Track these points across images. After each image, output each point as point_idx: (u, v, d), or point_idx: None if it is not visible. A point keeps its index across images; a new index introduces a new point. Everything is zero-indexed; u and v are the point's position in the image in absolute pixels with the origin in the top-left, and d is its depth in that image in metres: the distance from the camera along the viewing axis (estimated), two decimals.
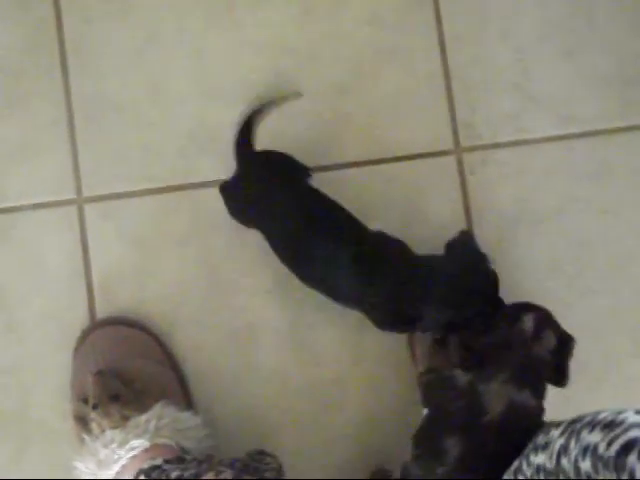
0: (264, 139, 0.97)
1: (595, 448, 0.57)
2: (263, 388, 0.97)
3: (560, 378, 0.83)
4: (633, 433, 0.54)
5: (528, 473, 0.67)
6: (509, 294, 0.96)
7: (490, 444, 0.77)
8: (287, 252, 0.89)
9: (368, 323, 0.91)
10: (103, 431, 0.85)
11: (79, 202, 0.99)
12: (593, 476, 0.57)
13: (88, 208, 0.99)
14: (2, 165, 0.99)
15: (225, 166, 0.98)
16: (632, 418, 0.56)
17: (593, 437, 0.58)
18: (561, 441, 0.62)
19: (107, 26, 1.01)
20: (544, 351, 0.82)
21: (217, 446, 0.91)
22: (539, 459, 0.65)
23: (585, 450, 0.58)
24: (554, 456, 0.62)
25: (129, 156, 1.00)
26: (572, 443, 0.60)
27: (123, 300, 0.97)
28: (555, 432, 0.65)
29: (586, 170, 1.03)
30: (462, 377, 0.81)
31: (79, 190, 0.99)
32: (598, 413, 0.61)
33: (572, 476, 0.60)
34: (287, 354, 0.98)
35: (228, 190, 0.95)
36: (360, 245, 0.86)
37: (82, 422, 0.89)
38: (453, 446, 0.77)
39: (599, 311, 1.01)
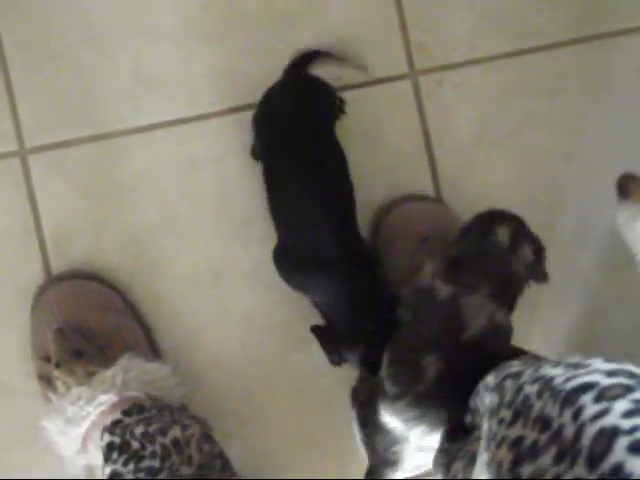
0: (212, 71, 0.94)
1: (551, 379, 0.55)
2: (231, 331, 0.96)
3: (541, 278, 0.82)
4: (595, 377, 0.53)
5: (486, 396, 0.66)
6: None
7: (469, 360, 0.76)
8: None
9: None
10: (69, 389, 0.82)
11: (22, 154, 0.94)
12: (532, 399, 0.55)
13: (32, 159, 0.94)
14: None
15: (173, 105, 0.95)
16: (598, 364, 0.55)
17: (553, 371, 0.56)
18: (517, 368, 0.62)
19: None
20: (520, 266, 0.80)
21: (188, 394, 0.89)
22: (489, 379, 0.65)
23: (538, 379, 0.56)
24: (500, 377, 0.62)
25: (72, 103, 0.95)
26: (528, 371, 0.59)
27: (78, 253, 0.94)
28: (516, 361, 0.64)
29: (543, 85, 1.01)
30: (443, 289, 0.79)
31: (21, 142, 0.94)
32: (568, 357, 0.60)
33: (508, 395, 0.59)
34: (253, 296, 0.96)
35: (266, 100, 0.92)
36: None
37: (46, 381, 0.87)
38: (431, 364, 0.76)
39: (564, 227, 1.00)
